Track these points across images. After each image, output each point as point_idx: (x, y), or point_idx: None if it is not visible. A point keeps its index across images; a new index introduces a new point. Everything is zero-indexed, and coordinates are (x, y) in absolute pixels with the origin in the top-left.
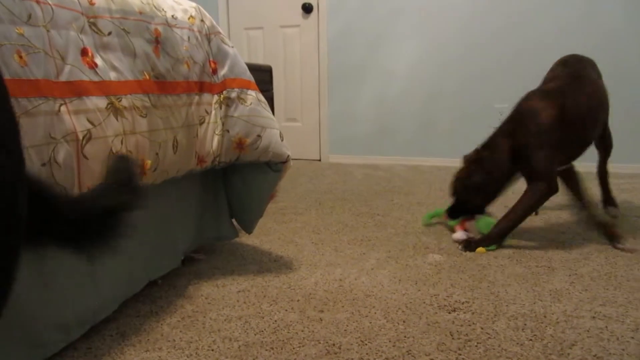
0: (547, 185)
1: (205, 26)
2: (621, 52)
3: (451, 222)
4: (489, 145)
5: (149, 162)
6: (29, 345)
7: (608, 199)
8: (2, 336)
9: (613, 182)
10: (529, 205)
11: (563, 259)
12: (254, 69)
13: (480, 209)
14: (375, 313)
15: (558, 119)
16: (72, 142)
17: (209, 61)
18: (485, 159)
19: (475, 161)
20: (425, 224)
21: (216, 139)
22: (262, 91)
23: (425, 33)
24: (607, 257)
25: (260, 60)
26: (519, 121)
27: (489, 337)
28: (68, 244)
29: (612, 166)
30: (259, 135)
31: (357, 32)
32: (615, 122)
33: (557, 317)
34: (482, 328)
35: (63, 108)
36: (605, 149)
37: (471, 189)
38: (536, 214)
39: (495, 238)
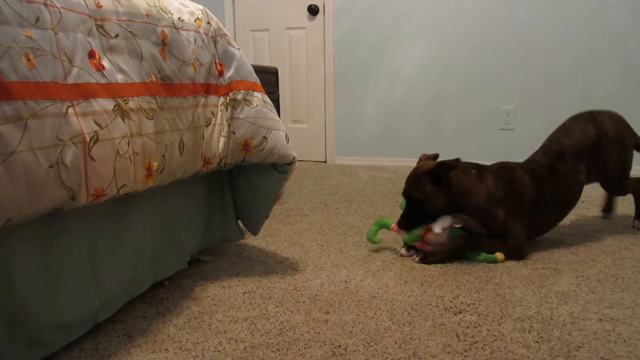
0: (520, 253)
1: (212, 28)
2: (629, 54)
3: (406, 237)
4: (479, 167)
5: (155, 164)
6: (28, 343)
7: (608, 207)
8: (2, 334)
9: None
10: (499, 248)
11: (569, 260)
12: (259, 70)
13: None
14: (381, 315)
15: (535, 201)
16: (79, 144)
17: (215, 63)
18: (468, 174)
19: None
20: (372, 241)
21: (222, 140)
22: (268, 93)
23: (431, 35)
24: (614, 259)
25: (266, 62)
26: (507, 183)
27: (495, 339)
28: None
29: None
30: (264, 137)
31: (363, 34)
32: None
33: (564, 319)
34: (488, 330)
35: (70, 110)
36: (609, 192)
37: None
38: None
39: (453, 251)
